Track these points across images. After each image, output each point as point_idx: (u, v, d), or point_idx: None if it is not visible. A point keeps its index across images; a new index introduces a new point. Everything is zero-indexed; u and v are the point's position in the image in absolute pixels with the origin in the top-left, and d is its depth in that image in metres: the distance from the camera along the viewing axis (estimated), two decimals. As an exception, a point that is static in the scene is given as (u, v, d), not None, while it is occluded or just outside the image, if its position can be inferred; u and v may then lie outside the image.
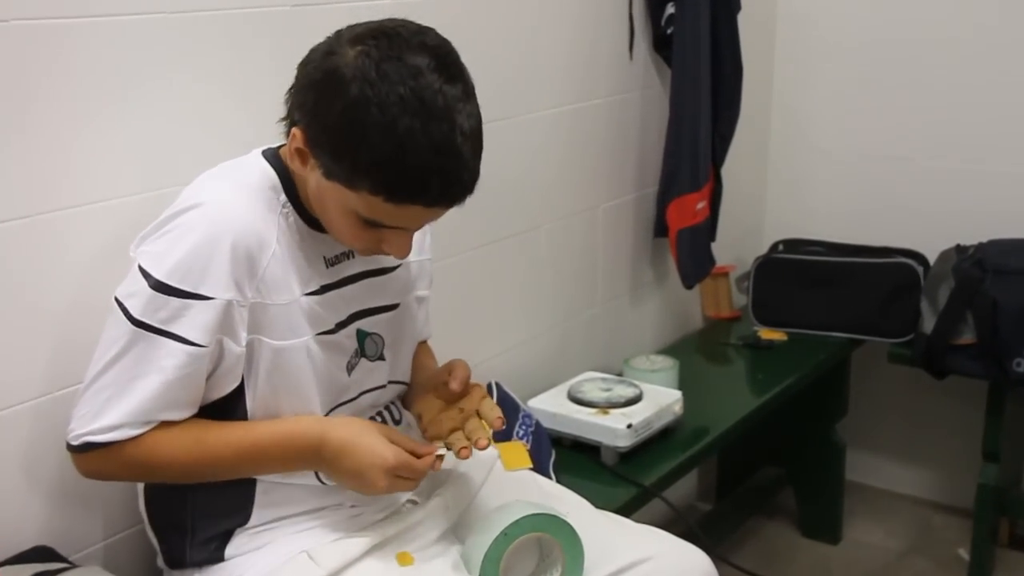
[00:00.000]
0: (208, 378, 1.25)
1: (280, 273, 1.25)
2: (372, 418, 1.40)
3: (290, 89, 1.24)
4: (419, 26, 1.21)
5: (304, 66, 1.22)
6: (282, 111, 1.41)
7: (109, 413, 1.22)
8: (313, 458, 1.28)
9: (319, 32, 1.67)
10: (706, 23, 2.34)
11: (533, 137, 2.13)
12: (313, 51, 1.22)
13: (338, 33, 1.21)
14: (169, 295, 1.20)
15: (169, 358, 1.21)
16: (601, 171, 2.35)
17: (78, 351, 1.40)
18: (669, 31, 2.35)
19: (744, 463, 2.84)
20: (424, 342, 1.56)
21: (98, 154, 1.39)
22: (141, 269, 1.21)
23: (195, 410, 1.26)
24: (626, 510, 1.82)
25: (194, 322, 1.20)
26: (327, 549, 1.29)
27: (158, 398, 1.22)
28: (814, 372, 2.52)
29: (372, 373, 1.38)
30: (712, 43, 2.37)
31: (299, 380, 1.29)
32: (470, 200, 1.74)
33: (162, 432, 1.24)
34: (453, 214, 1.65)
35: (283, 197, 1.28)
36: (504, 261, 2.12)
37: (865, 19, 2.77)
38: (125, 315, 1.21)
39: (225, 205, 1.23)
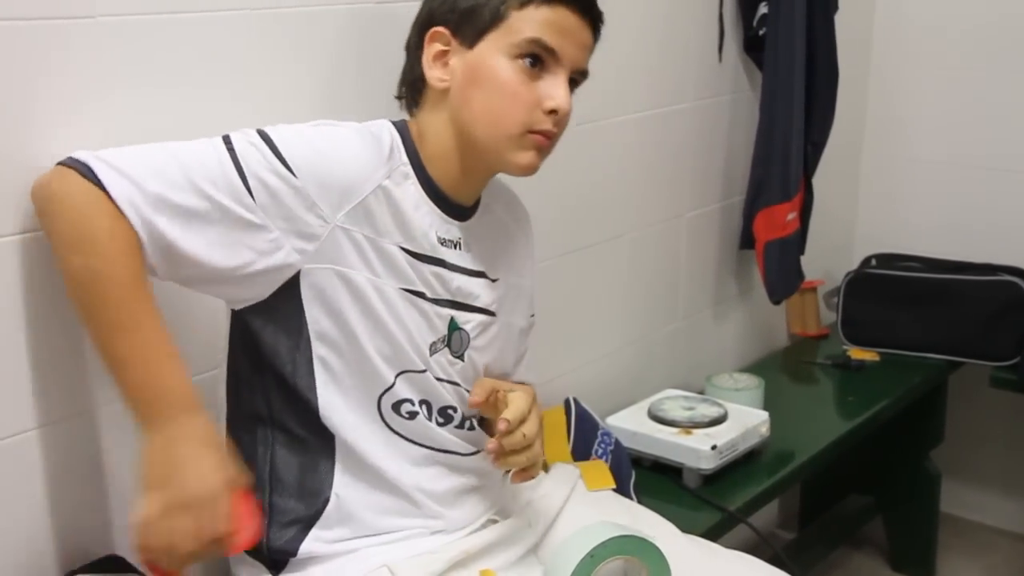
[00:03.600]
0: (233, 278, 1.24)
1: (378, 212, 1.28)
2: (441, 407, 1.39)
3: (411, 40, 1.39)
4: None
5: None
6: (354, 108, 1.44)
7: (120, 156, 1.19)
8: (159, 412, 1.17)
9: (402, 30, 1.70)
10: (801, 24, 2.33)
11: (618, 142, 2.15)
12: None
13: None
14: (266, 144, 1.23)
15: (220, 178, 1.20)
16: (686, 179, 2.35)
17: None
18: (761, 32, 2.35)
19: (830, 490, 2.82)
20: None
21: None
22: (258, 129, 1.26)
23: (167, 271, 1.22)
24: (709, 536, 1.81)
25: (265, 177, 1.22)
26: (409, 563, 1.31)
27: (170, 195, 1.18)
28: (908, 396, 2.49)
29: (449, 368, 1.40)
30: (807, 45, 2.36)
31: (375, 319, 1.30)
32: (553, 210, 1.76)
33: (112, 236, 1.16)
34: (536, 221, 1.67)
35: (404, 157, 1.34)
36: (585, 271, 2.14)
37: (968, 21, 2.74)
38: (223, 136, 1.24)
39: (351, 137, 1.30)
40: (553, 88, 1.32)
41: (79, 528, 1.40)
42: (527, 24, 1.30)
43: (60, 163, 1.21)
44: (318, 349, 1.30)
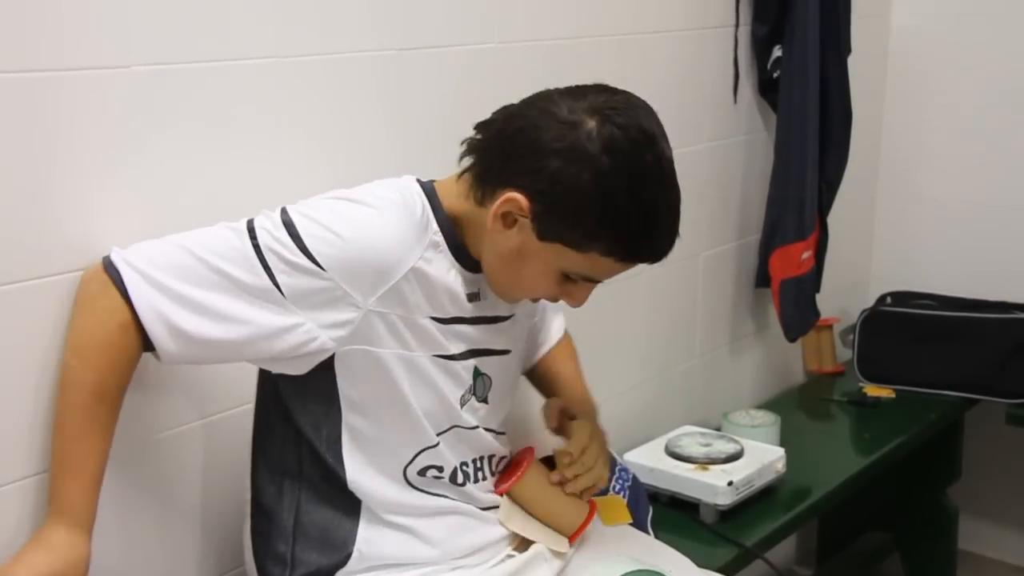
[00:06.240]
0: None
1: (408, 292, 1.29)
2: (465, 464, 1.42)
3: (493, 149, 1.30)
4: (630, 94, 1.31)
5: (520, 132, 1.27)
6: (379, 154, 1.46)
7: (151, 262, 1.22)
8: (51, 512, 1.24)
9: (423, 78, 1.73)
10: (815, 66, 2.36)
11: (634, 182, 2.17)
12: (522, 116, 1.28)
13: (554, 99, 1.27)
14: (292, 239, 1.23)
15: (248, 277, 1.22)
16: (702, 218, 2.37)
17: (192, 387, 1.48)
18: (775, 75, 2.38)
19: (847, 526, 2.81)
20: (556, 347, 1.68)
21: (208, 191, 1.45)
22: (283, 210, 1.26)
23: (196, 356, 1.25)
24: (726, 571, 1.82)
25: (293, 275, 1.22)
26: (429, 598, 1.33)
27: (197, 293, 1.21)
28: (924, 432, 2.49)
29: (475, 413, 1.42)
30: (820, 87, 2.39)
31: (409, 393, 1.33)
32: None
33: (106, 347, 1.21)
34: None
35: (435, 226, 1.32)
36: (603, 309, 2.13)
37: (981, 60, 2.76)
38: (247, 225, 1.25)
39: (382, 219, 1.27)
40: (580, 293, 1.34)
41: (106, 561, 1.42)
42: (597, 268, 1.29)
43: (103, 263, 1.24)
44: (349, 419, 1.32)
